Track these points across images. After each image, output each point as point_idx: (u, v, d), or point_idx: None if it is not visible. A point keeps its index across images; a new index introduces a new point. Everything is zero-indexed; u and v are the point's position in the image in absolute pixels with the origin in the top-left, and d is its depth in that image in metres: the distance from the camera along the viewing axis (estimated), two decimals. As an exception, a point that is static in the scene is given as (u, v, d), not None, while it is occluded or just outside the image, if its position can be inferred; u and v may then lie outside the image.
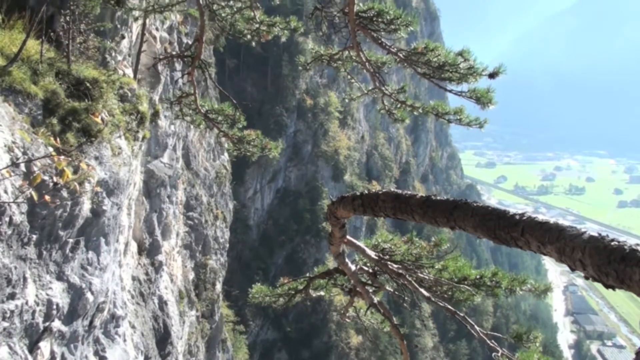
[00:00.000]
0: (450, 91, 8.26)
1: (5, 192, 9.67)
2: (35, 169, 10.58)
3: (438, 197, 3.28)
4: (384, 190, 3.76)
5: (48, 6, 12.91)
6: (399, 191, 3.67)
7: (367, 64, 8.77)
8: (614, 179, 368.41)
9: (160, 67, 22.62)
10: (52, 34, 13.15)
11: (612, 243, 2.31)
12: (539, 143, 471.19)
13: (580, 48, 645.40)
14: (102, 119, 13.28)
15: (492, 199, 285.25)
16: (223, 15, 10.46)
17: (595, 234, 2.44)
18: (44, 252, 10.83)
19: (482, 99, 7.90)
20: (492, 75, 7.57)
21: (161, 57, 18.84)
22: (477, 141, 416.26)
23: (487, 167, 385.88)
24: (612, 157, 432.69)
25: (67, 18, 13.10)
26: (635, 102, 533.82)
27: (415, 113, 9.25)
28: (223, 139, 12.98)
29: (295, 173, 77.59)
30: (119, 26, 16.82)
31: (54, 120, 11.50)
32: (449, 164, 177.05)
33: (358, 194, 4.13)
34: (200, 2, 9.62)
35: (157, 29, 22.56)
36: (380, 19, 7.97)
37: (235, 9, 10.32)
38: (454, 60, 7.71)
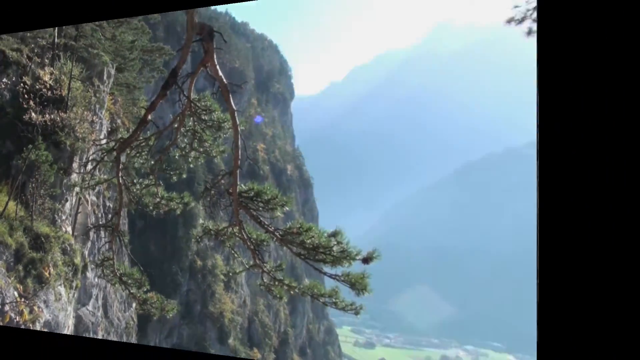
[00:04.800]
0: (325, 273, 8.17)
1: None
2: (7, 309, 13.13)
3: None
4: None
5: (23, 175, 16.02)
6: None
7: (247, 241, 9.17)
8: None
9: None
10: (23, 197, 16.17)
11: None
12: (423, 326, 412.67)
13: (464, 223, 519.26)
14: (50, 272, 16.03)
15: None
16: (134, 190, 12.81)
17: None
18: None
19: (357, 285, 7.67)
20: (365, 260, 7.44)
21: (91, 226, 22.14)
22: (355, 317, 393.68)
23: (366, 347, 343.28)
24: (510, 352, 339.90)
25: (33, 185, 16.19)
26: (529, 288, 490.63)
27: (292, 292, 9.16)
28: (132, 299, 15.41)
29: (187, 331, 77.27)
30: (64, 191, 19.89)
31: (20, 267, 14.25)
32: (326, 339, 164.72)
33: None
34: (120, 181, 12.37)
35: (89, 194, 25.78)
36: (259, 199, 8.48)
37: (143, 185, 12.67)
38: (327, 243, 7.74)
